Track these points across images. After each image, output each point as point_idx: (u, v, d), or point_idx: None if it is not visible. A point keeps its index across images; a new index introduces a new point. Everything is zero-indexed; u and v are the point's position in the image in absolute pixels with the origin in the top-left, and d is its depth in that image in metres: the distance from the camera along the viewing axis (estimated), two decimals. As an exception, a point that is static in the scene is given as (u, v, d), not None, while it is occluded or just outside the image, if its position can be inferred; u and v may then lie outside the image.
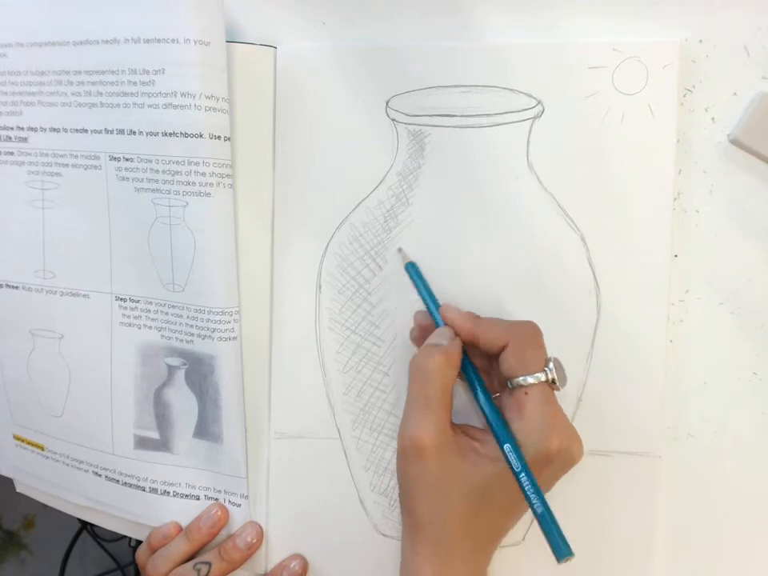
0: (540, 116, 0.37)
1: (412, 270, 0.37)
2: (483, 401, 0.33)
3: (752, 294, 0.37)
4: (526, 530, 0.38)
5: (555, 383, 0.32)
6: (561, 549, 0.30)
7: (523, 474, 0.31)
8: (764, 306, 0.37)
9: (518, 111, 0.37)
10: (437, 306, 0.36)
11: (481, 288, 0.38)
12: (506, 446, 0.31)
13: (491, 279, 0.38)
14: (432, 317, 0.36)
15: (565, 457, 0.31)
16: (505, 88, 0.37)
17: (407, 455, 0.32)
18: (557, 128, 0.36)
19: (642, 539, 0.38)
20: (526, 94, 0.37)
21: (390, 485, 0.40)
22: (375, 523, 0.40)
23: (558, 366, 0.32)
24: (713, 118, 0.36)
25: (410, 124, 0.38)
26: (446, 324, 0.35)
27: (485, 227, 0.38)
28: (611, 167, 0.36)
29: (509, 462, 0.31)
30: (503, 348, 0.33)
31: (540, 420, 0.31)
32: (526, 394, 0.32)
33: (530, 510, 0.31)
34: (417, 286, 0.37)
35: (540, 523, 0.31)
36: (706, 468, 0.38)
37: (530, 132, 0.37)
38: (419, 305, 0.37)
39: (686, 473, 0.38)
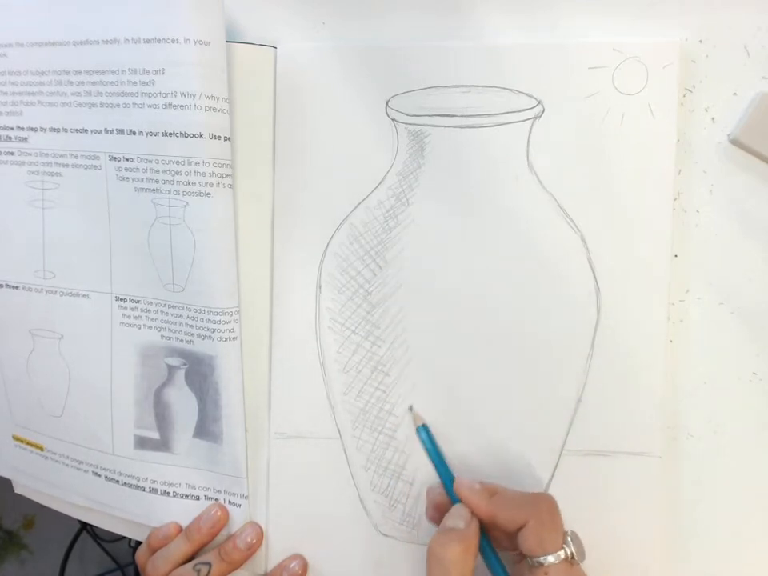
0: (540, 116, 0.37)
1: (424, 434, 0.37)
2: None
3: (752, 294, 0.37)
4: None
5: (574, 557, 0.32)
6: None
7: None
8: (764, 305, 0.37)
9: (518, 111, 0.37)
10: (451, 479, 0.35)
11: (480, 288, 0.38)
12: None
13: (491, 279, 0.38)
14: (446, 491, 0.35)
15: None
16: (505, 88, 0.37)
17: None
18: (557, 128, 0.36)
19: (642, 539, 0.38)
20: (526, 94, 0.37)
21: (390, 485, 0.40)
22: (375, 523, 0.40)
23: (576, 540, 0.33)
24: (713, 118, 0.36)
25: (409, 124, 0.38)
26: (461, 500, 0.34)
27: (485, 227, 0.38)
28: (611, 167, 0.36)
29: None
30: (521, 526, 0.32)
31: None
32: (546, 574, 0.31)
33: None
34: (429, 455, 0.37)
35: None
36: (706, 468, 0.38)
37: (530, 132, 0.37)
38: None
39: (686, 473, 0.38)
